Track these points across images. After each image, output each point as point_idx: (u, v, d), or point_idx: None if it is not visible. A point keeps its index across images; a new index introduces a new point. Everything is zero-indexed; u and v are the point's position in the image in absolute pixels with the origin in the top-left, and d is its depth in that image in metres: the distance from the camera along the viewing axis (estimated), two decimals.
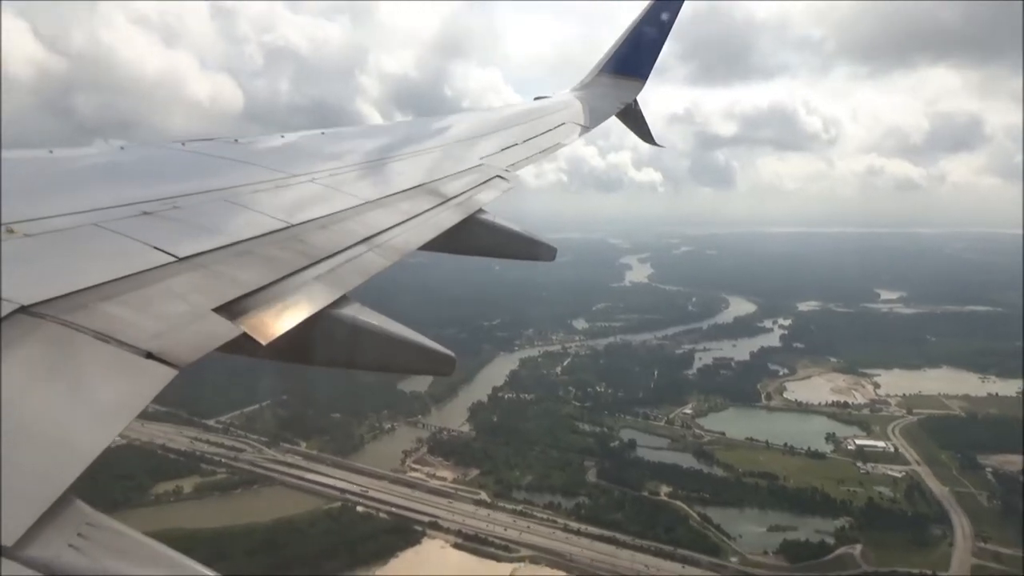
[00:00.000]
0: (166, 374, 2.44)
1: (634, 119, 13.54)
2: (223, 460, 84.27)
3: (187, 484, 78.36)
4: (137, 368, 2.41)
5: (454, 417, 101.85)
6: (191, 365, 2.57)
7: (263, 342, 2.95)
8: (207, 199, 4.32)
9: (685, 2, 13.48)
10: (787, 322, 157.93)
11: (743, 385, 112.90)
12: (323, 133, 7.22)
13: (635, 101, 13.39)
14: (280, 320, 3.14)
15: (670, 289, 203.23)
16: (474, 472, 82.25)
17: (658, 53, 13.56)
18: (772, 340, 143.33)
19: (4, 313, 2.35)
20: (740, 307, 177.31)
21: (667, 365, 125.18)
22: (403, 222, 5.02)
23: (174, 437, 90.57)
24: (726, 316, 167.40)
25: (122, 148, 5.18)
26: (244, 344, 2.93)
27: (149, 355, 2.47)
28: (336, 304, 3.58)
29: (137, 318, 2.68)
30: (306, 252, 3.92)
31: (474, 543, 66.72)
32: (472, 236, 5.85)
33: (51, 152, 4.59)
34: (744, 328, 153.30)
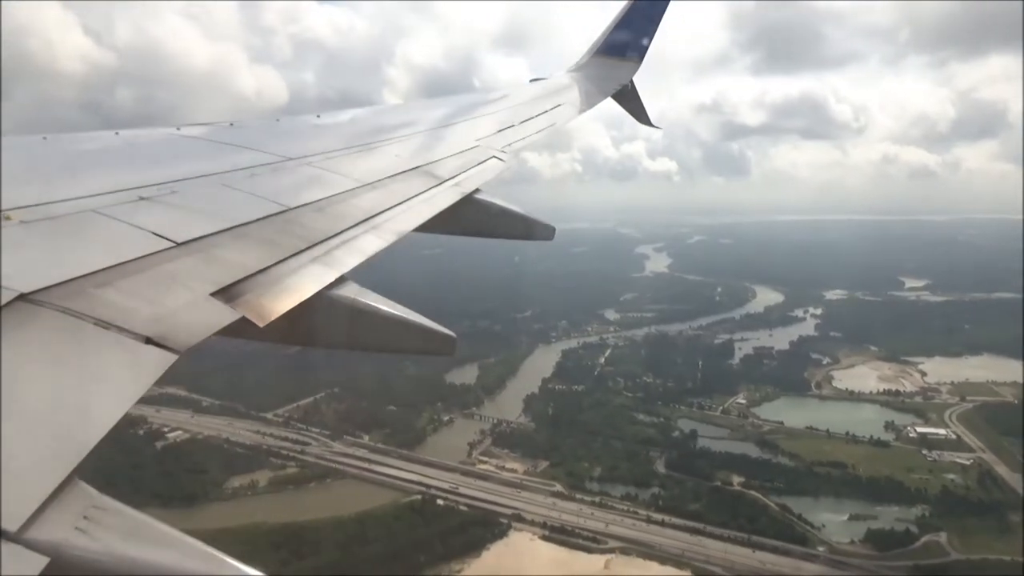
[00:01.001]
0: (166, 359, 2.48)
1: (630, 100, 13.57)
2: (290, 454, 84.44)
3: (260, 478, 78.45)
4: (137, 353, 2.45)
5: (507, 409, 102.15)
6: (190, 350, 2.61)
7: (261, 324, 2.99)
8: (204, 184, 4.36)
9: None
10: (818, 311, 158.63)
11: (789, 374, 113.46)
12: (319, 116, 7.31)
13: (631, 82, 13.44)
14: (278, 303, 3.19)
15: (693, 279, 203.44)
16: (543, 464, 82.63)
17: (654, 34, 13.55)
18: (807, 329, 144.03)
19: (4, 301, 2.38)
20: (767, 296, 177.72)
21: (709, 355, 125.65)
22: (399, 203, 5.07)
23: (237, 431, 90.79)
24: (756, 305, 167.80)
25: (117, 134, 5.18)
26: (244, 328, 2.97)
27: (148, 340, 2.51)
28: (334, 286, 3.65)
29: (136, 304, 2.72)
30: (303, 235, 3.98)
31: (561, 535, 67.18)
32: (469, 216, 5.91)
33: (46, 138, 4.62)
34: (777, 317, 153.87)
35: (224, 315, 2.91)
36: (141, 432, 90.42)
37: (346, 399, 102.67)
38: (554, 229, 6.80)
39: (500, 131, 8.15)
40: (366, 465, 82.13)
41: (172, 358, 2.49)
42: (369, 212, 4.68)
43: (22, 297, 2.44)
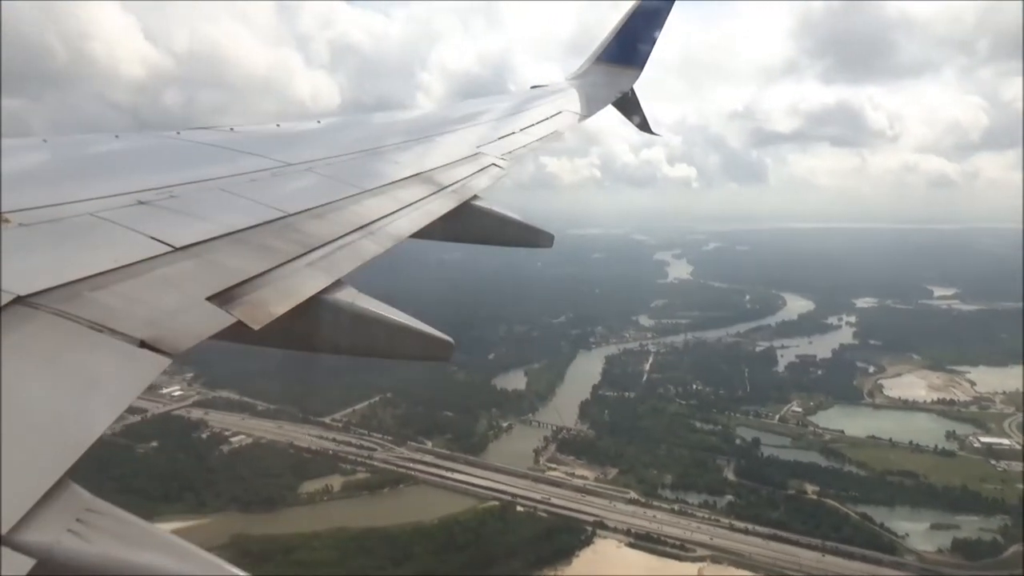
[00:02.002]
0: (159, 362, 2.50)
1: (631, 107, 13.61)
2: (358, 459, 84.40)
3: (333, 483, 78.39)
4: (130, 357, 2.47)
5: (563, 415, 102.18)
6: (184, 353, 2.64)
7: (255, 327, 3.01)
8: (203, 188, 4.36)
9: None
10: (851, 319, 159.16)
11: (838, 383, 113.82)
12: (319, 122, 7.34)
13: (632, 90, 13.45)
14: (273, 307, 3.21)
15: (719, 286, 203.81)
16: (612, 471, 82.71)
17: (655, 41, 13.58)
18: (844, 337, 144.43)
19: (2, 303, 2.39)
20: (796, 304, 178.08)
21: (753, 363, 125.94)
22: (398, 210, 5.10)
23: (300, 436, 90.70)
24: (788, 313, 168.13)
25: (117, 137, 5.20)
26: (240, 332, 2.99)
27: (143, 344, 2.53)
28: (331, 290, 3.68)
29: (131, 307, 2.74)
30: (301, 240, 4.00)
31: (647, 542, 67.27)
32: (468, 223, 5.95)
33: (46, 141, 4.66)
34: (812, 325, 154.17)
35: (219, 319, 2.94)
36: (204, 436, 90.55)
37: (401, 404, 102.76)
38: (552, 237, 6.76)
39: (501, 138, 8.17)
40: (435, 470, 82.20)
41: (166, 361, 2.51)
42: (367, 218, 4.71)
43: (19, 300, 2.46)
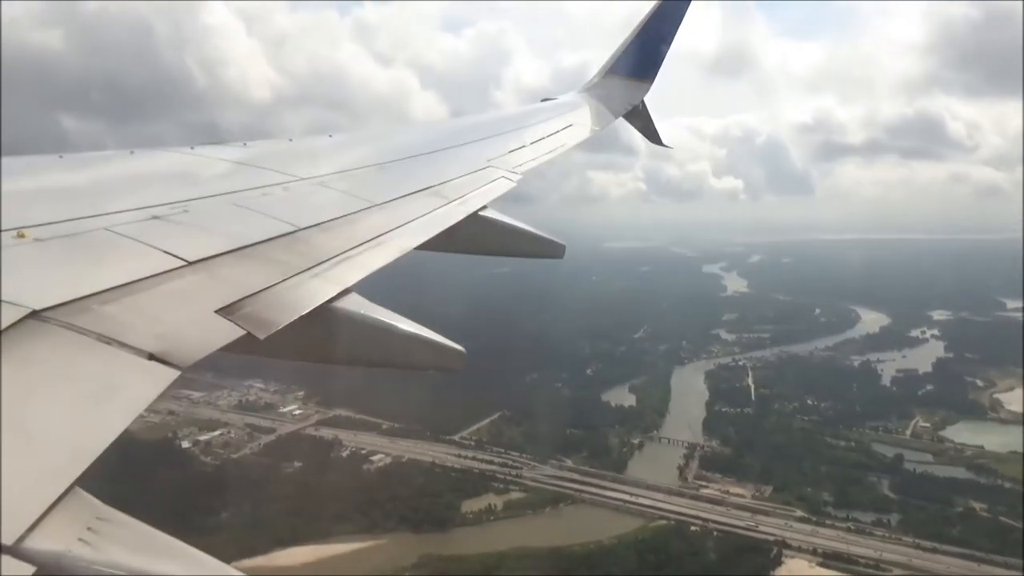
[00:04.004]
0: (168, 375, 2.54)
1: (641, 120, 13.67)
2: (507, 477, 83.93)
3: (493, 502, 77.91)
4: (140, 369, 2.52)
5: (682, 431, 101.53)
6: (193, 366, 2.67)
7: (261, 337, 3.04)
8: (216, 203, 4.40)
9: (691, 3, 13.55)
10: (934, 332, 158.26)
11: (952, 397, 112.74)
12: (331, 136, 7.38)
13: (642, 102, 13.52)
14: (280, 317, 3.23)
15: (783, 299, 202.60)
16: (766, 488, 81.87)
17: (665, 54, 13.62)
18: (935, 350, 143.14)
19: (17, 317, 2.43)
20: (870, 317, 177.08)
21: (855, 377, 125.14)
22: (407, 222, 5.12)
23: (436, 454, 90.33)
24: (866, 326, 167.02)
25: (132, 153, 5.22)
26: (250, 344, 3.04)
27: (151, 357, 2.58)
28: (339, 300, 3.69)
29: (142, 321, 2.79)
30: (310, 254, 4.04)
31: (837, 561, 66.39)
32: (476, 235, 5.97)
33: (61, 157, 4.65)
34: (896, 339, 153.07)
35: (227, 332, 2.98)
36: (344, 455, 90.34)
37: (522, 422, 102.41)
38: (564, 247, 6.80)
39: (511, 151, 8.19)
40: (587, 488, 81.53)
41: (174, 374, 2.56)
42: (377, 231, 4.74)
43: (34, 314, 2.51)
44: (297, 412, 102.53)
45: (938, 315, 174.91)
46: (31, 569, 1.64)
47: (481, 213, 6.11)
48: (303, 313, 3.38)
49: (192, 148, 5.59)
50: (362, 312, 3.79)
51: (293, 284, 3.61)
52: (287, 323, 3.22)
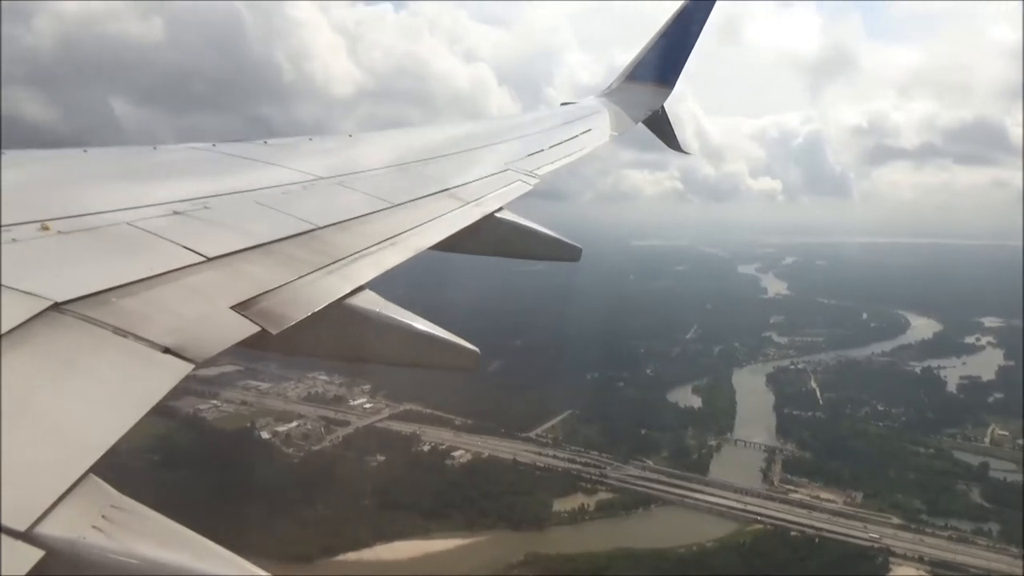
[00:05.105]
0: (182, 368, 2.57)
1: (661, 126, 13.66)
2: (592, 477, 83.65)
3: (584, 503, 77.64)
4: (155, 362, 2.55)
5: (755, 433, 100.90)
6: (207, 361, 2.70)
7: (274, 332, 3.06)
8: (237, 200, 4.44)
9: (712, 9, 13.56)
10: (989, 339, 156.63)
11: (1020, 405, 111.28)
12: (351, 136, 7.46)
13: (662, 108, 13.48)
14: (295, 313, 3.25)
15: (827, 302, 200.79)
16: (857, 494, 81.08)
17: (686, 60, 13.61)
18: (995, 358, 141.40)
19: (38, 310, 2.47)
20: (918, 322, 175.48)
21: (920, 384, 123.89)
22: (424, 223, 5.17)
23: (515, 451, 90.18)
24: (919, 331, 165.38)
25: (155, 148, 5.27)
26: (265, 340, 3.06)
27: (167, 350, 2.61)
28: (354, 299, 3.72)
29: (159, 315, 2.82)
30: (328, 252, 4.07)
31: (948, 570, 65.70)
32: (493, 236, 6.00)
33: (86, 151, 4.70)
34: (953, 345, 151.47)
35: (242, 328, 3.01)
36: (425, 449, 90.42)
37: (593, 420, 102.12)
38: (580, 250, 6.76)
39: (530, 155, 8.27)
40: (674, 490, 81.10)
41: (188, 367, 2.59)
42: (394, 231, 4.79)
43: (56, 306, 2.55)
44: (367, 406, 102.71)
45: (989, 321, 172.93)
46: (39, 552, 1.67)
47: (497, 215, 6.13)
48: (316, 309, 3.42)
49: (214, 145, 5.63)
50: (375, 310, 3.81)
51: (308, 281, 3.66)
52: (300, 319, 3.26)
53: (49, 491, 1.82)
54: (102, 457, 2.04)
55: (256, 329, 3.03)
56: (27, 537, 1.68)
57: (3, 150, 4.13)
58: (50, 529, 1.74)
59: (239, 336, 2.97)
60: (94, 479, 1.98)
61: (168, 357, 2.59)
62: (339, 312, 3.61)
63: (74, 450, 2.02)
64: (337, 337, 3.72)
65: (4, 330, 2.30)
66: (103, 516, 1.92)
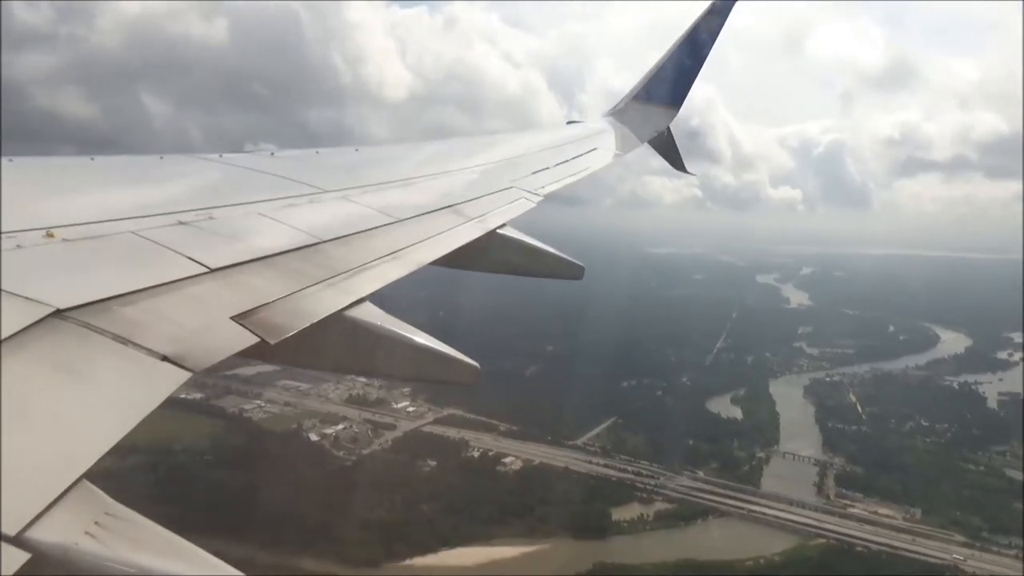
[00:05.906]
0: (180, 377, 2.58)
1: (666, 146, 13.66)
2: (647, 487, 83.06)
3: (642, 512, 77.00)
4: (153, 370, 2.57)
5: (801, 446, 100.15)
6: (206, 370, 2.71)
7: (272, 342, 3.07)
8: (241, 212, 4.44)
9: (720, 32, 13.38)
10: (1021, 355, 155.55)
11: None
12: (357, 150, 7.49)
13: (668, 128, 13.50)
14: (293, 324, 3.26)
15: (852, 314, 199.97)
16: (914, 510, 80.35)
17: (693, 81, 13.58)
18: None
19: (39, 316, 2.49)
20: (947, 336, 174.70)
21: (959, 399, 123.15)
22: (426, 239, 5.18)
23: (564, 459, 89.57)
24: (950, 346, 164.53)
25: (162, 158, 5.28)
26: (264, 350, 3.06)
27: (165, 358, 2.63)
28: (353, 311, 3.72)
29: (160, 324, 2.84)
30: (329, 265, 4.09)
31: None
32: (495, 253, 6.03)
33: (93, 159, 4.71)
34: (986, 360, 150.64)
35: (241, 338, 3.01)
36: (475, 455, 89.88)
37: (637, 430, 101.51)
38: (583, 268, 6.74)
39: (534, 173, 8.31)
40: (728, 501, 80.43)
41: (186, 376, 2.59)
42: (395, 246, 4.79)
43: (57, 313, 2.57)
44: (410, 409, 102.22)
45: (1018, 337, 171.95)
46: (24, 555, 1.67)
47: (500, 232, 6.16)
48: (315, 320, 3.42)
49: (220, 156, 5.63)
50: (374, 322, 3.81)
51: (309, 293, 3.68)
52: (298, 329, 3.27)
53: (42, 496, 1.83)
54: (101, 458, 2.05)
55: (255, 340, 3.05)
56: (17, 541, 1.68)
57: (17, 156, 4.17)
58: (42, 534, 1.74)
59: (238, 346, 2.98)
60: (88, 485, 1.97)
61: (166, 365, 2.61)
62: (338, 324, 3.63)
63: (69, 455, 2.02)
64: (336, 349, 3.74)
65: (5, 335, 2.31)
66: (96, 523, 1.92)
